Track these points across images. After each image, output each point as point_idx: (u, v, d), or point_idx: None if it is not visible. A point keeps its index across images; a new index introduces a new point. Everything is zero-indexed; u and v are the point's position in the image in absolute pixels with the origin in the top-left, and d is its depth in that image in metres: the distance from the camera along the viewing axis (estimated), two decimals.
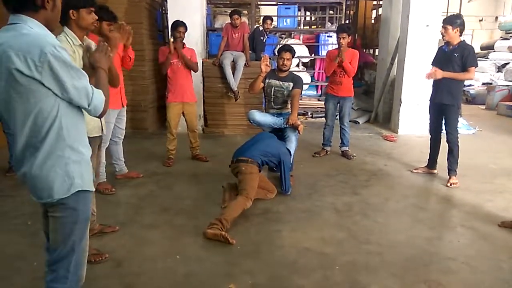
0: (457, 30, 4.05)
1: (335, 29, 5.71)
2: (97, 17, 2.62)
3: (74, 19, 2.48)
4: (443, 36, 4.15)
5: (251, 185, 3.47)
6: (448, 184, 4.21)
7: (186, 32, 4.80)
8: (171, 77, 4.77)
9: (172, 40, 4.92)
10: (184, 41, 4.80)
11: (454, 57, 4.08)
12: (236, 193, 3.62)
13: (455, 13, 4.33)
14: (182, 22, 4.78)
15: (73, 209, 1.69)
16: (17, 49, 1.44)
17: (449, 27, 4.05)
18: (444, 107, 4.24)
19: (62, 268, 1.74)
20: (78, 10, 2.46)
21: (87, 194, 1.73)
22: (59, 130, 1.58)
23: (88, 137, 1.89)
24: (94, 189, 1.80)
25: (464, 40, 4.18)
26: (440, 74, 4.09)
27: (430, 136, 4.55)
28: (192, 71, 4.85)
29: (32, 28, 1.51)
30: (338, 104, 5.28)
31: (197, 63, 5.00)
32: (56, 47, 1.48)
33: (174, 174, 4.57)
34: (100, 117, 1.72)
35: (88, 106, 1.61)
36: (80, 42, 2.58)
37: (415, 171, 4.67)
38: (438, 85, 4.25)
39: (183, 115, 4.87)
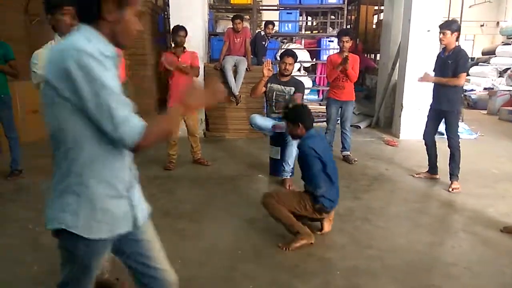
0: (455, 35, 4.11)
1: (336, 34, 5.73)
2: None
3: (52, 24, 2.30)
4: (441, 41, 4.18)
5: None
6: (450, 189, 4.20)
7: (189, 37, 4.82)
8: (172, 82, 4.77)
9: (173, 44, 4.94)
10: (186, 45, 4.82)
11: (448, 64, 4.14)
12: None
13: (451, 19, 4.38)
14: (182, 26, 4.80)
15: (64, 248, 1.42)
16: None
17: (448, 32, 4.09)
18: (443, 113, 4.27)
19: None
20: (53, 14, 2.24)
21: (84, 240, 1.36)
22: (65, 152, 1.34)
23: None
24: (99, 238, 1.38)
25: (459, 46, 4.23)
26: (431, 79, 4.21)
27: (424, 141, 4.56)
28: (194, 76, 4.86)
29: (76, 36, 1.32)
30: (341, 109, 5.28)
31: (199, 67, 4.94)
32: (84, 54, 1.22)
33: (175, 178, 4.57)
34: (134, 151, 1.34)
35: (114, 131, 1.25)
36: None
37: (417, 176, 4.66)
38: (437, 92, 4.30)
39: (184, 120, 4.88)
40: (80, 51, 1.21)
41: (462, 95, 9.87)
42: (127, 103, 1.27)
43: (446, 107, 4.22)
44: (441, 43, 4.22)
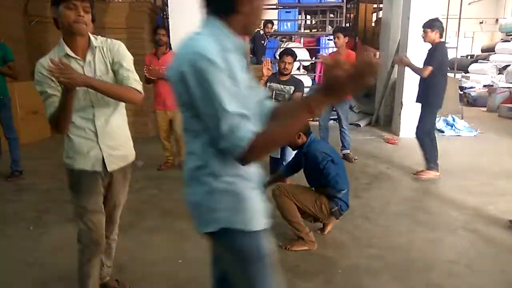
0: (436, 32, 4.27)
1: None
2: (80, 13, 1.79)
3: (53, 17, 1.86)
4: (423, 39, 4.37)
5: None
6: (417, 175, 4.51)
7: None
8: (155, 88, 4.64)
9: (155, 43, 4.74)
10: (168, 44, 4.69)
11: (425, 59, 4.36)
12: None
13: (434, 17, 4.52)
14: (161, 25, 4.67)
15: (230, 247, 1.37)
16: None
17: (428, 30, 4.28)
18: (421, 107, 4.47)
19: None
20: (57, 7, 1.79)
21: (246, 233, 1.32)
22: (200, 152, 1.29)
23: (74, 169, 1.72)
24: (261, 227, 1.36)
25: (441, 42, 4.36)
26: (405, 61, 4.61)
27: None
28: None
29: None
30: (334, 108, 5.28)
31: None
32: (201, 58, 1.15)
33: (175, 178, 4.56)
34: (242, 162, 1.20)
35: (219, 140, 1.17)
36: (68, 52, 1.86)
37: (417, 174, 4.66)
38: (419, 85, 4.49)
39: (170, 120, 4.66)
40: (197, 54, 1.15)
41: (462, 92, 9.92)
42: (239, 110, 1.15)
43: (420, 100, 4.44)
44: (424, 41, 4.39)
